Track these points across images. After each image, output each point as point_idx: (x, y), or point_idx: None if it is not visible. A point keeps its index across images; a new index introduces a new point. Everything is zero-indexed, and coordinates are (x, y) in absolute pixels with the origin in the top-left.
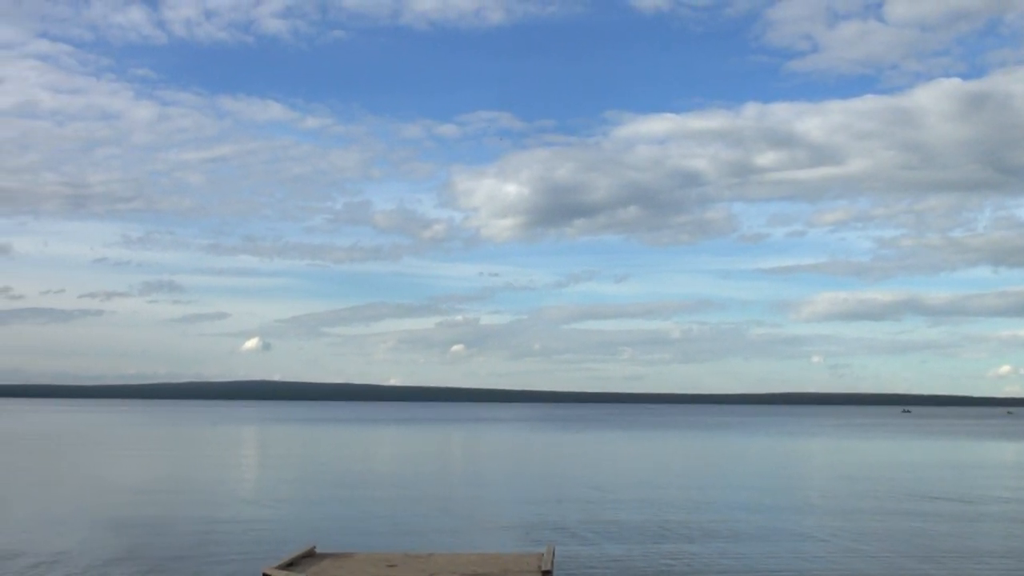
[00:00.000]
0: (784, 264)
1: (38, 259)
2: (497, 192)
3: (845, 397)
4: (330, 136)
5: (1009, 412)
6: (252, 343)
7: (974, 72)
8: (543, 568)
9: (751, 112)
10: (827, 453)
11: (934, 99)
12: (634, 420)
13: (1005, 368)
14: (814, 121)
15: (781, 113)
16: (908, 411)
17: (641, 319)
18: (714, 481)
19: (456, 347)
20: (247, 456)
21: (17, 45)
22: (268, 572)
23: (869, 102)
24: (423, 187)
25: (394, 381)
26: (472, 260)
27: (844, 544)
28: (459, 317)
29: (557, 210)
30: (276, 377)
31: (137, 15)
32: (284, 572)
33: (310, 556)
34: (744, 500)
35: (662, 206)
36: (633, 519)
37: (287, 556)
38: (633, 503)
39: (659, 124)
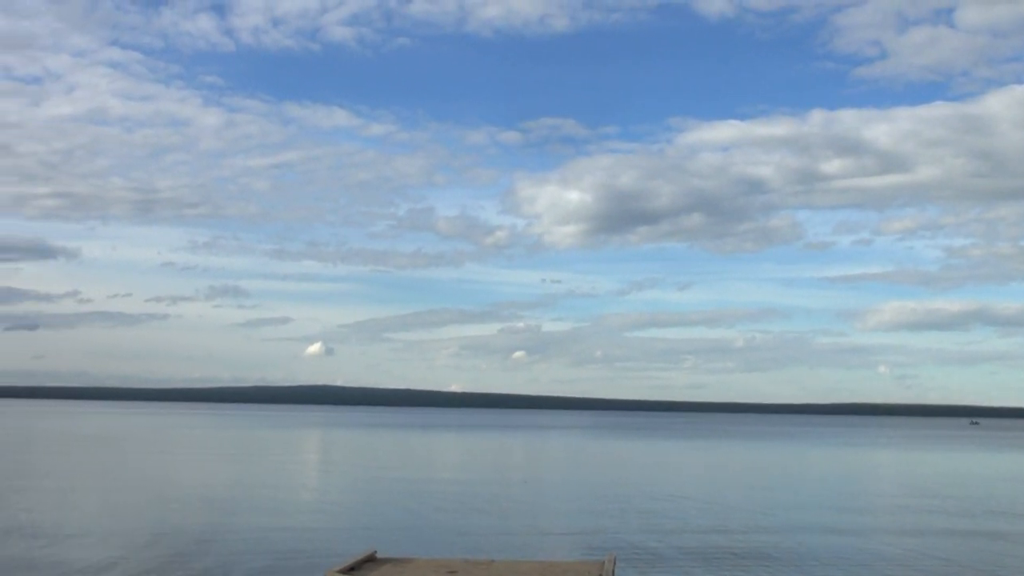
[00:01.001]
0: (850, 273)
1: (106, 263)
2: (560, 199)
3: (911, 408)
4: (394, 142)
5: None
6: (315, 348)
7: None
8: None
9: (817, 119)
10: (894, 465)
11: (1005, 106)
12: (696, 429)
13: None
14: (882, 128)
15: (848, 120)
16: (976, 423)
17: (704, 327)
18: (777, 494)
19: (517, 354)
20: (309, 460)
21: (89, 53)
22: None
23: (938, 109)
24: (486, 193)
25: (455, 387)
26: (534, 267)
27: (922, 569)
28: (521, 324)
29: (620, 217)
30: (338, 382)
31: (206, 23)
32: None
33: (371, 561)
34: (809, 515)
35: (726, 213)
36: (694, 531)
37: (348, 560)
38: (695, 514)
39: (723, 131)
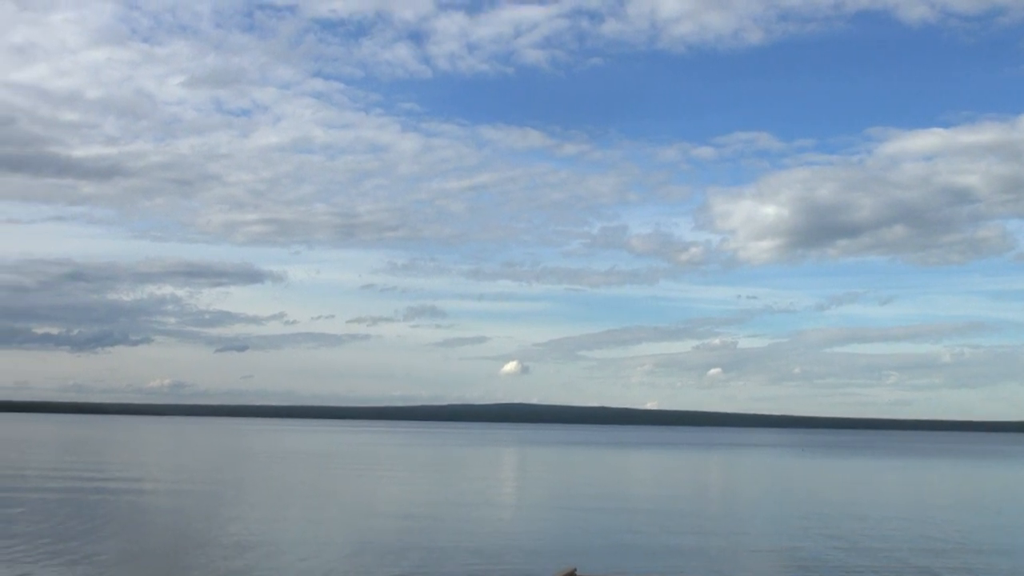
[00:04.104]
0: None
1: (310, 286)
2: (755, 214)
3: None
4: (587, 162)
5: None
6: (511, 367)
7: None
8: None
9: None
10: None
11: None
12: (901, 447)
13: None
14: None
15: None
16: None
17: (908, 342)
18: (990, 516)
19: (713, 371)
20: (508, 478)
21: (294, 84)
22: None
23: None
24: (679, 210)
25: (651, 405)
26: (730, 283)
27: None
28: (716, 340)
29: (818, 231)
30: (534, 400)
31: (404, 52)
32: None
33: None
34: None
35: (930, 225)
36: (898, 551)
37: None
38: (899, 534)
39: (926, 140)
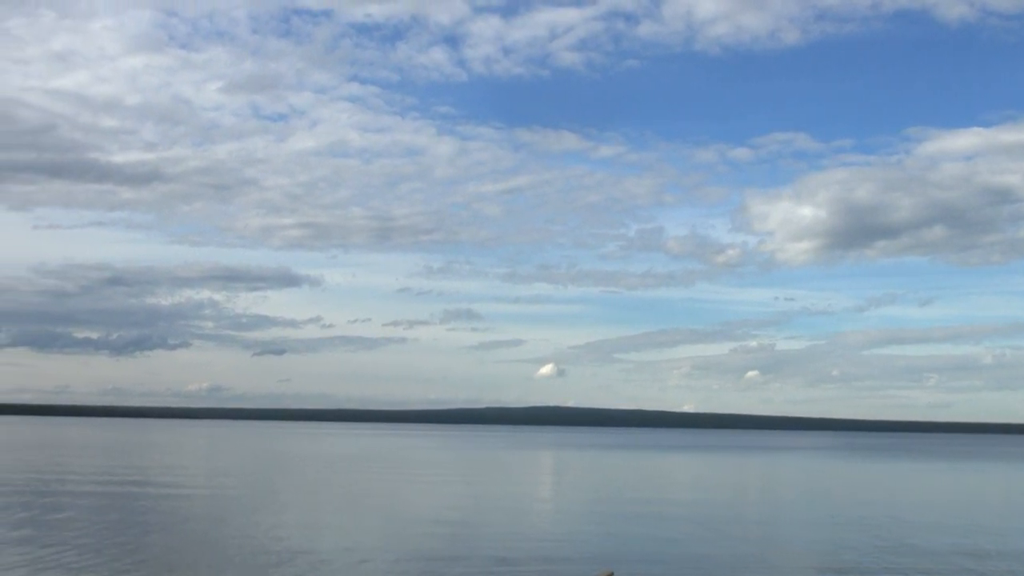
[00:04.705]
0: None
1: (347, 290)
2: (793, 215)
3: None
4: (623, 164)
5: None
6: (547, 369)
7: None
8: None
9: None
10: None
11: None
12: (941, 450)
13: None
14: None
15: None
16: None
17: (948, 344)
18: None
19: (751, 373)
20: (545, 481)
21: (330, 89)
22: None
23: None
24: (716, 212)
25: (687, 407)
26: (767, 285)
27: None
28: (754, 343)
29: (856, 232)
30: (570, 403)
31: (439, 55)
32: None
33: None
34: None
35: (971, 225)
36: (941, 559)
37: None
38: (941, 541)
39: (966, 139)
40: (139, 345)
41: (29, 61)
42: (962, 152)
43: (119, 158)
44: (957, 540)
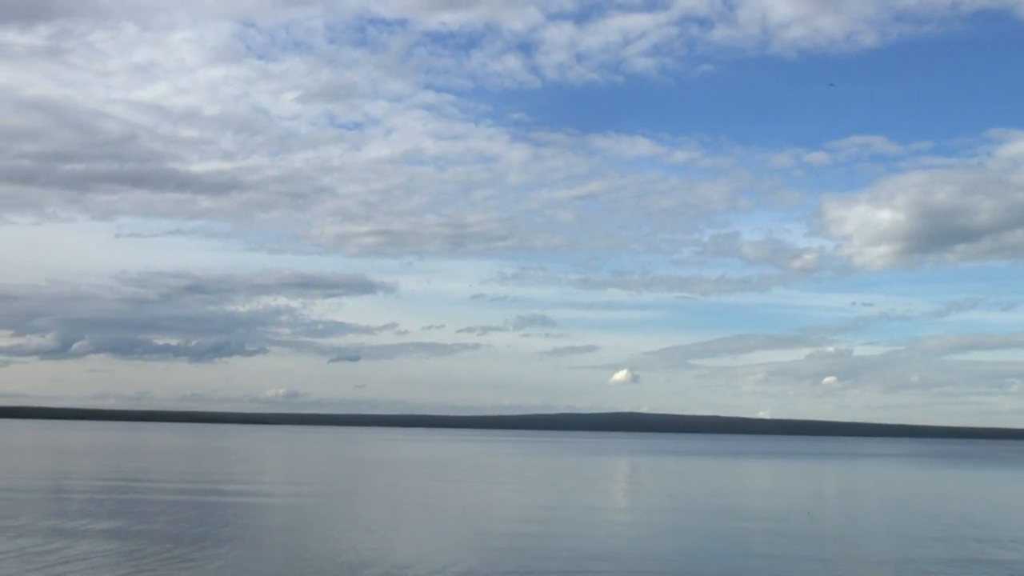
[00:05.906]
0: None
1: (421, 296)
2: (870, 219)
3: None
4: (697, 169)
5: None
6: (621, 375)
7: None
8: None
9: None
10: None
11: None
12: None
13: None
14: None
15: None
16: None
17: None
18: None
19: (828, 379)
20: (622, 489)
21: (405, 97)
22: None
23: None
24: (792, 216)
25: (763, 414)
26: (844, 290)
27: None
28: (831, 348)
29: (936, 236)
30: (644, 409)
31: (513, 62)
32: None
33: None
34: None
35: None
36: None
37: None
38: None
39: None
40: (217, 351)
41: (111, 73)
42: None
43: (198, 168)
44: None
